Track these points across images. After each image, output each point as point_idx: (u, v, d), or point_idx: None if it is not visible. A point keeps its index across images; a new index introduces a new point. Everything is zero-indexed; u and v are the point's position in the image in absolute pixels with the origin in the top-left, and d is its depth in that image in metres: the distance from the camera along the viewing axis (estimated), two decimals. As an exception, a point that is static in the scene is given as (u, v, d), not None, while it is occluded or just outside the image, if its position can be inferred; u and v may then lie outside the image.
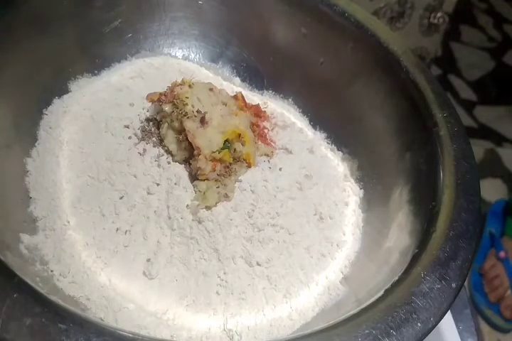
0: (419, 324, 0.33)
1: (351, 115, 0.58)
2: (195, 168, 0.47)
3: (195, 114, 0.48)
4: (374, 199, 0.52)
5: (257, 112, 0.56)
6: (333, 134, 0.59)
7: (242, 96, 0.54)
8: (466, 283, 0.39)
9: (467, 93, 1.60)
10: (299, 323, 0.43)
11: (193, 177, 0.48)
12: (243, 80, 0.63)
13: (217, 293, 0.43)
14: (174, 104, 0.49)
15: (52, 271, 0.41)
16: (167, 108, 0.49)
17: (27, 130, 0.50)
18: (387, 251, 0.45)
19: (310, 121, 0.61)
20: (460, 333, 0.50)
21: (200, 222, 0.45)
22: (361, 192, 0.54)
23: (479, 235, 1.21)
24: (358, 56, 0.56)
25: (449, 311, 0.43)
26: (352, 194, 0.54)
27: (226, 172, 0.48)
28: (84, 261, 0.43)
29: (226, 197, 0.47)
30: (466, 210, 0.41)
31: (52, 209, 0.45)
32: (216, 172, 0.47)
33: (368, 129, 0.55)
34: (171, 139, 0.49)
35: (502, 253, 1.15)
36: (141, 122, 0.53)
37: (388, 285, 0.37)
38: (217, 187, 0.47)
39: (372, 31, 0.55)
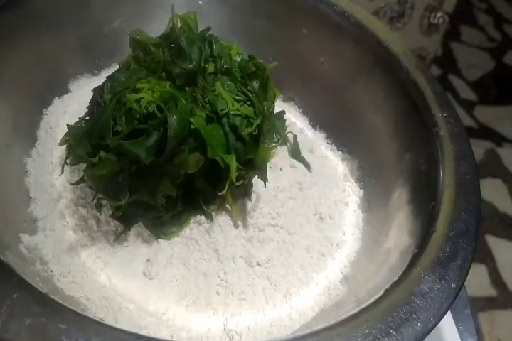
0: (419, 324, 0.33)
1: (351, 115, 0.58)
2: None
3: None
4: (374, 199, 0.52)
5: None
6: (333, 134, 0.60)
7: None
8: (466, 283, 0.39)
9: (467, 93, 1.60)
10: (298, 323, 0.43)
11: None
12: (243, 80, 0.63)
13: (217, 293, 0.43)
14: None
15: (52, 271, 0.41)
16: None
17: (27, 130, 0.50)
18: (387, 251, 0.45)
19: (310, 121, 0.61)
20: (460, 333, 0.50)
21: (200, 223, 0.45)
22: (361, 192, 0.54)
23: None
24: (358, 56, 0.56)
25: (449, 311, 0.43)
26: (352, 194, 0.54)
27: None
28: (84, 261, 0.43)
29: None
30: (466, 210, 0.41)
31: (52, 209, 0.45)
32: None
33: (368, 129, 0.55)
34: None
35: None
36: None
37: (388, 285, 0.37)
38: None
39: (372, 31, 0.55)
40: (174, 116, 0.39)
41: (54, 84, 0.54)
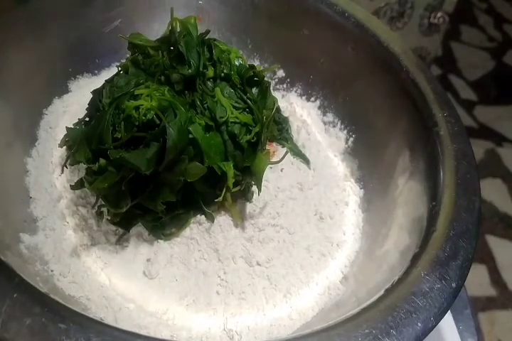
0: (419, 324, 0.33)
1: (351, 115, 0.58)
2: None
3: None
4: (374, 199, 0.52)
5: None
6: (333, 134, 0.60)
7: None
8: (466, 283, 0.39)
9: (467, 93, 1.60)
10: (299, 323, 0.43)
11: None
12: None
13: (217, 292, 0.43)
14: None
15: (52, 271, 0.41)
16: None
17: (27, 130, 0.50)
18: (387, 251, 0.45)
19: (310, 121, 0.61)
20: (460, 333, 0.50)
21: (200, 223, 0.45)
22: (361, 192, 0.54)
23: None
24: (358, 56, 0.56)
25: (449, 311, 0.43)
26: (352, 194, 0.54)
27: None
28: (84, 261, 0.43)
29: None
30: (466, 210, 0.41)
31: (52, 209, 0.45)
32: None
33: (368, 129, 0.55)
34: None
35: None
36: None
37: (388, 285, 0.37)
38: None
39: (372, 31, 0.55)
40: (173, 127, 0.39)
41: (54, 84, 0.54)
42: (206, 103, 0.43)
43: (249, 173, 0.44)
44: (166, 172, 0.41)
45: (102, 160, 0.39)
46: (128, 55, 0.59)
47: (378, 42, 0.55)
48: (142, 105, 0.40)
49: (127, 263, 0.44)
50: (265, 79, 0.46)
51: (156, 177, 0.41)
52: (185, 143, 0.40)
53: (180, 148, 0.40)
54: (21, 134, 0.49)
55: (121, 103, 0.40)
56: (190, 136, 0.40)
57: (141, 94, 0.41)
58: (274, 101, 0.47)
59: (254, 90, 0.45)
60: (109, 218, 0.44)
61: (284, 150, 0.54)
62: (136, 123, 0.40)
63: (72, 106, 0.54)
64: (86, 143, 0.41)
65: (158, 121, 0.39)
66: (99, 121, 0.41)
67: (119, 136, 0.40)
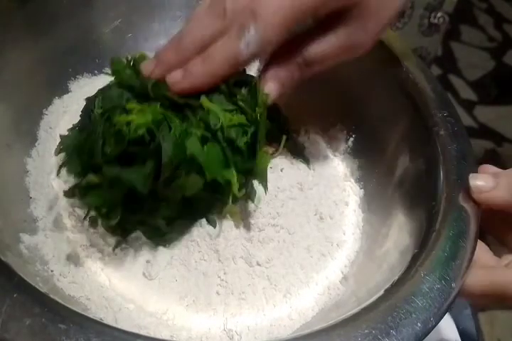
0: (419, 324, 0.33)
1: (351, 115, 0.58)
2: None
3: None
4: (374, 199, 0.52)
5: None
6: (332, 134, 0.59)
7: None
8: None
9: (467, 93, 1.60)
10: (299, 323, 0.43)
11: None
12: (243, 80, 0.63)
13: (217, 293, 0.43)
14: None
15: (52, 271, 0.41)
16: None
17: (27, 130, 0.50)
18: (387, 251, 0.45)
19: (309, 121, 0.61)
20: (460, 333, 0.50)
21: (201, 225, 0.45)
22: (361, 192, 0.54)
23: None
24: (358, 56, 0.56)
25: (449, 311, 0.43)
26: (352, 194, 0.54)
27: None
28: (84, 261, 0.43)
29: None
30: (466, 210, 0.41)
31: (52, 209, 0.45)
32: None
33: (368, 129, 0.55)
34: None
35: None
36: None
37: (388, 285, 0.37)
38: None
39: (372, 31, 0.55)
40: (167, 141, 0.37)
41: (54, 84, 0.54)
42: (198, 114, 0.41)
43: (252, 174, 0.44)
44: (163, 189, 0.39)
45: (92, 177, 0.38)
46: (128, 55, 0.59)
47: (378, 42, 0.54)
48: (133, 121, 0.38)
49: (127, 265, 0.44)
50: (254, 75, 0.45)
51: (154, 194, 0.40)
52: (181, 157, 0.39)
53: (176, 164, 0.38)
54: (21, 134, 0.49)
55: (112, 115, 0.39)
56: (187, 151, 0.39)
57: (134, 109, 0.39)
58: (266, 97, 0.46)
59: (244, 90, 0.44)
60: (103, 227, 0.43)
61: (284, 150, 0.54)
62: (128, 139, 0.38)
63: (72, 106, 0.54)
64: (77, 156, 0.41)
65: (148, 138, 0.38)
66: (90, 133, 0.40)
67: (109, 151, 0.38)
